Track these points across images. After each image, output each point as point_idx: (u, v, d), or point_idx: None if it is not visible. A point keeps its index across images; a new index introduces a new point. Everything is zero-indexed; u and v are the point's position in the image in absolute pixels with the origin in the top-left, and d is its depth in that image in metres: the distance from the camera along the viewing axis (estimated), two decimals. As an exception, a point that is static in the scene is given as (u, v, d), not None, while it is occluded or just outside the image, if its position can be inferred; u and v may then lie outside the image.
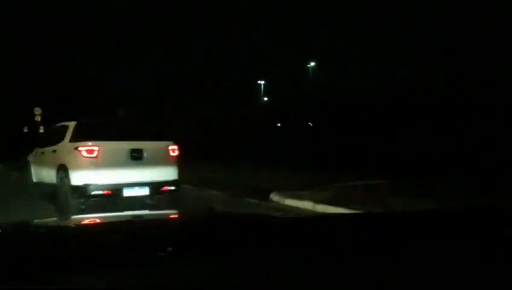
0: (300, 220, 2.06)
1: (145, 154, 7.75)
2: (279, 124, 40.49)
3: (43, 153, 9.05)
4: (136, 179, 7.59)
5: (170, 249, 1.27)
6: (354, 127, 30.46)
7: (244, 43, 34.26)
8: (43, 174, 8.84)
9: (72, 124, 8.14)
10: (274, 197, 9.59)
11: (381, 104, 29.09)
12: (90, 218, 2.23)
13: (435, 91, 26.76)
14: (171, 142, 8.16)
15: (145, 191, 7.68)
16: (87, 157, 7.32)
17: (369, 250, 1.32)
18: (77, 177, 7.34)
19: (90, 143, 7.40)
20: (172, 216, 2.34)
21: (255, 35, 34.70)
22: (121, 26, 33.88)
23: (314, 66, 34.94)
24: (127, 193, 7.49)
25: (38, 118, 24.70)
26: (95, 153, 7.33)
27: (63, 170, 7.63)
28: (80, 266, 1.14)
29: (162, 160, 7.94)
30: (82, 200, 7.42)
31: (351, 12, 33.16)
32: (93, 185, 7.28)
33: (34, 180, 9.60)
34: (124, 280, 1.09)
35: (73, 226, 1.92)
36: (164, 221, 2.02)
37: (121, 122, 10.85)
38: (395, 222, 1.76)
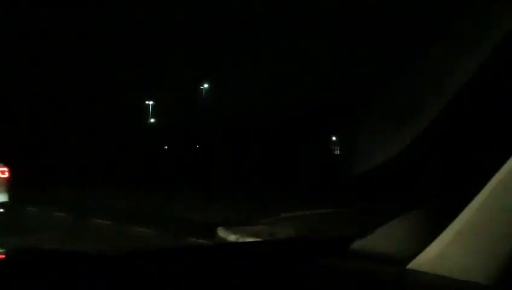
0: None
1: None
2: (166, 147, 38.48)
3: None
4: None
5: None
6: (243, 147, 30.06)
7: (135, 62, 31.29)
8: None
9: None
10: (227, 235, 7.60)
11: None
12: None
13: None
14: (1, 164, 8.32)
15: None
16: None
17: None
18: None
19: None
20: None
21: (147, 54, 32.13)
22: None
23: (207, 87, 33.48)
24: None
25: None
26: None
27: None
28: None
29: None
30: None
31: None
32: None
33: None
34: None
35: None
36: None
37: None
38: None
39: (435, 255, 1.34)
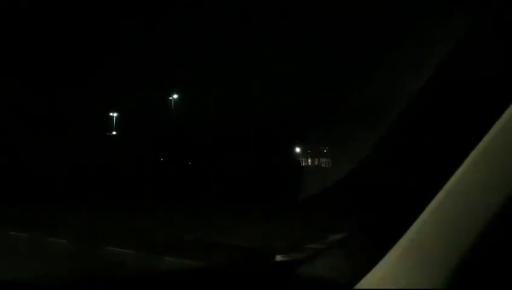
0: None
1: None
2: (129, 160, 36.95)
3: None
4: None
5: None
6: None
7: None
8: None
9: None
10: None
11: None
12: None
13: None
14: None
15: None
16: None
17: None
18: None
19: None
20: None
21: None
22: None
23: (177, 98, 32.11)
24: None
25: None
26: None
27: None
28: None
29: None
30: None
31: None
32: None
33: None
34: None
35: None
36: None
37: None
38: None
39: (378, 278, 1.38)
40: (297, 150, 40.59)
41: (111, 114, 34.77)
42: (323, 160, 30.17)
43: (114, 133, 37.66)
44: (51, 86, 29.53)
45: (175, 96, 32.17)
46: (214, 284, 1.69)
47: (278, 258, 6.79)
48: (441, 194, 1.31)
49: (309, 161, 36.43)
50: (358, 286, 1.42)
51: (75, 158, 27.76)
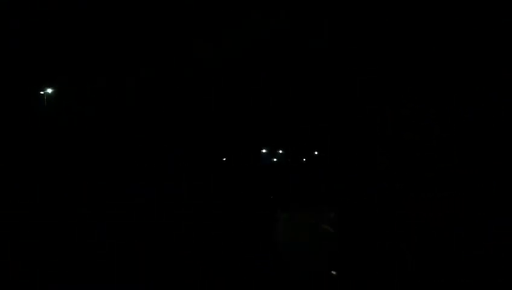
0: None
1: None
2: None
3: None
4: None
5: None
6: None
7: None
8: None
9: None
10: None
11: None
12: None
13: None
14: None
15: None
16: None
17: None
18: None
19: None
20: None
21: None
22: None
23: (52, 92, 28.28)
24: None
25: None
26: None
27: None
28: None
29: None
30: None
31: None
32: None
33: None
34: None
35: None
36: None
37: None
38: None
39: None
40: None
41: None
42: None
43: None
44: None
45: (49, 90, 28.40)
46: None
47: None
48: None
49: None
50: None
51: None
